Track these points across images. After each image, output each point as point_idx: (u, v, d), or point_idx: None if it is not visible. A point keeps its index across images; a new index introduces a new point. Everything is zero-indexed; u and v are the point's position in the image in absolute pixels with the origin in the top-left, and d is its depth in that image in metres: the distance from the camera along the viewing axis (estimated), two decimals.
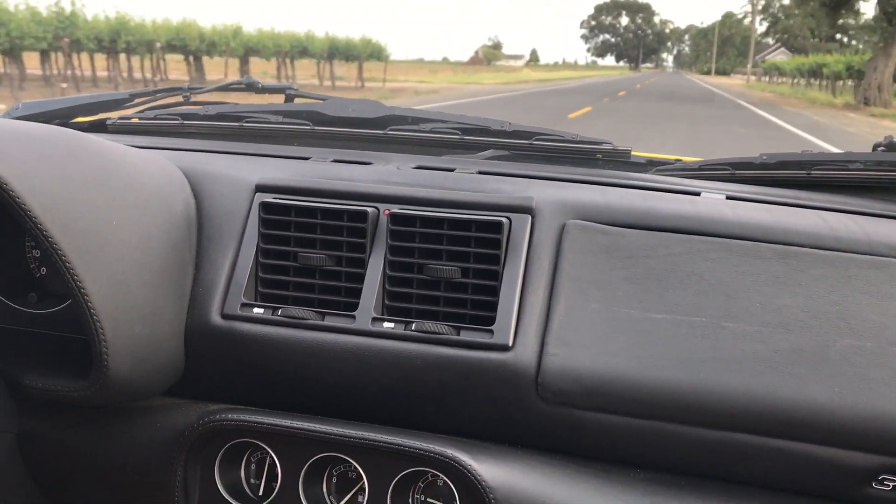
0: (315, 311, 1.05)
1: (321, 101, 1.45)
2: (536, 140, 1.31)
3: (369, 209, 1.07)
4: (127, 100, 1.57)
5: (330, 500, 1.04)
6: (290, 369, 1.05)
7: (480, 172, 1.20)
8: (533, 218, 1.05)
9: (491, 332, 0.99)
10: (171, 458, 1.03)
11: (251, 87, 1.53)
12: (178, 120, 1.48)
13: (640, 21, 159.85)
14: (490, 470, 0.94)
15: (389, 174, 1.18)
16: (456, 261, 1.04)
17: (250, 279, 1.09)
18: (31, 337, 1.10)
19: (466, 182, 1.14)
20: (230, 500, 1.03)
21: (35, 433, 1.06)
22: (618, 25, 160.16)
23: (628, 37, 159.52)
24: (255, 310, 1.07)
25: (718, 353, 0.93)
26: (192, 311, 1.07)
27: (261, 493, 1.05)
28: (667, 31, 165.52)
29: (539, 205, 1.06)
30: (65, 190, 0.92)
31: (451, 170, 1.21)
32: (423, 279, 1.05)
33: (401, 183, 1.14)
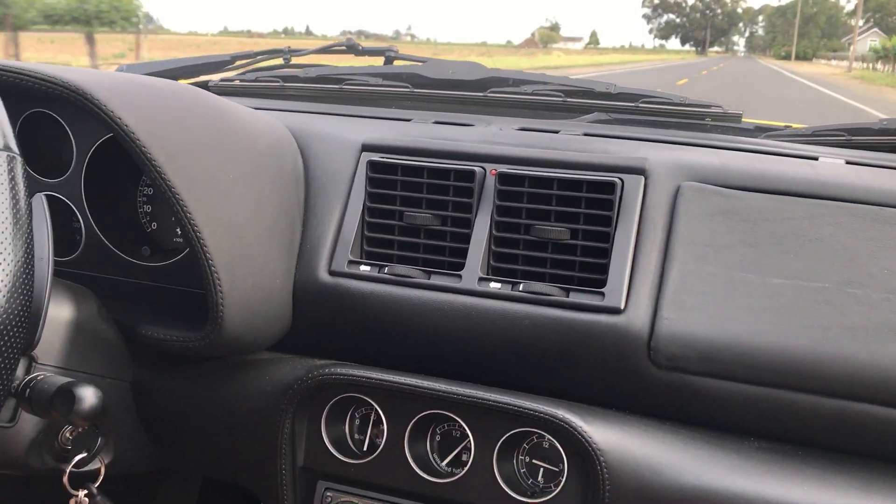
0: (421, 270, 1.06)
1: (421, 63, 1.44)
2: (643, 102, 1.28)
3: (476, 169, 1.06)
4: (228, 62, 1.60)
5: (433, 457, 1.04)
6: (395, 327, 1.06)
7: (586, 134, 1.18)
8: (646, 179, 1.02)
9: (602, 294, 0.98)
10: (279, 411, 1.04)
11: (351, 49, 1.53)
12: (278, 82, 1.50)
13: None
14: (601, 433, 0.92)
15: (494, 135, 1.16)
16: (564, 222, 1.02)
17: (356, 237, 1.09)
18: (145, 289, 1.13)
19: (573, 143, 1.12)
20: (335, 453, 1.05)
21: (147, 382, 1.09)
22: (683, 4, 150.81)
23: (695, 17, 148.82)
24: (362, 267, 1.07)
25: (843, 321, 0.89)
26: (300, 268, 1.09)
27: (365, 449, 1.06)
28: (738, 10, 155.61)
29: (652, 166, 1.03)
30: (186, 142, 0.94)
31: (556, 132, 1.19)
32: (529, 240, 1.03)
33: (507, 143, 1.12)
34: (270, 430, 1.06)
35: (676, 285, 0.95)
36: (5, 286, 0.62)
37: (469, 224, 1.06)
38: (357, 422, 1.08)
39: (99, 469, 1.00)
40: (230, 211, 0.97)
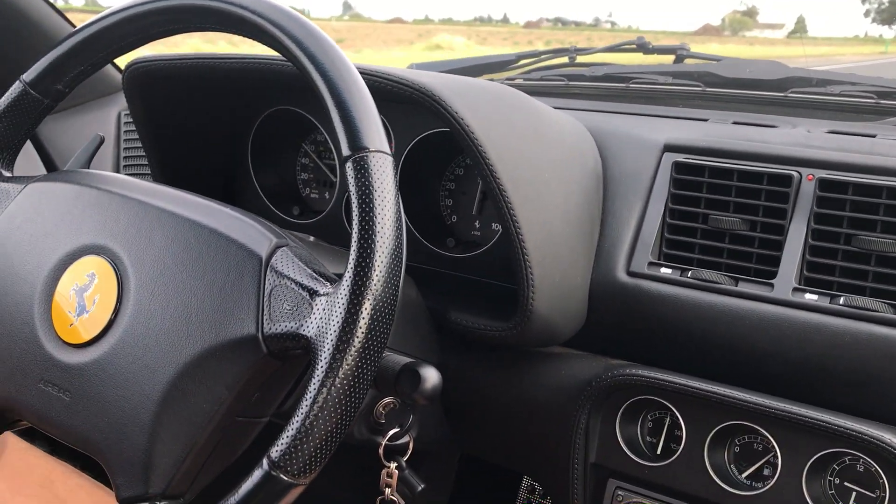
0: (727, 276, 1.03)
1: (715, 62, 1.41)
2: None
3: (793, 173, 1.02)
4: (513, 61, 1.64)
5: (731, 468, 1.02)
6: (696, 332, 1.04)
7: None
8: None
9: None
10: (575, 407, 1.06)
11: (641, 48, 1.52)
12: (563, 81, 1.52)
13: None
14: None
15: (806, 138, 1.11)
16: (892, 233, 0.96)
17: (656, 239, 1.09)
18: (450, 279, 1.20)
19: None
20: (629, 453, 1.05)
21: (450, 366, 1.15)
22: None
23: None
24: (662, 269, 1.06)
25: None
26: (597, 266, 1.10)
27: (658, 452, 1.06)
28: None
29: None
30: (512, 141, 0.98)
31: (873, 135, 1.11)
32: (850, 251, 0.98)
33: (822, 147, 1.07)
34: (564, 425, 1.08)
35: None
36: (398, 278, 0.69)
37: (782, 231, 1.02)
38: (650, 424, 1.08)
39: (407, 443, 1.06)
40: (544, 209, 1.00)
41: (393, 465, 1.04)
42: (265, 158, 1.39)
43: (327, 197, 1.38)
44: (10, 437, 1.17)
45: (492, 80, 1.62)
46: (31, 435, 1.14)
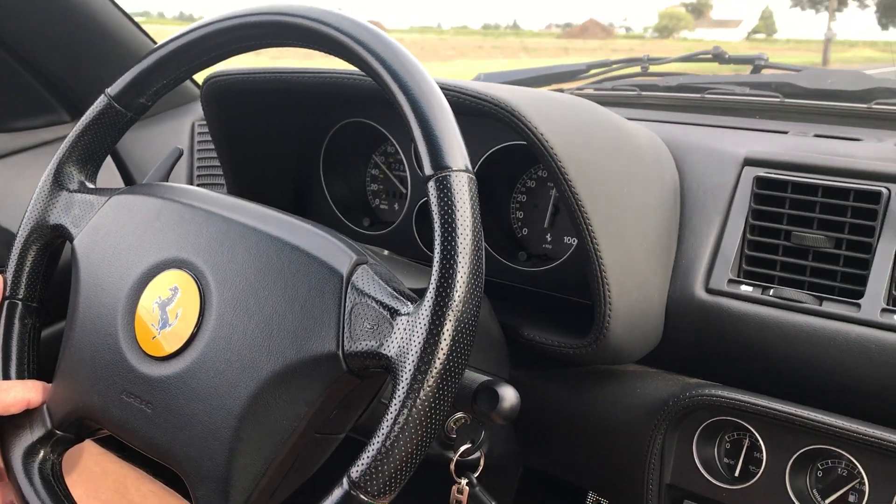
0: (811, 295, 1.00)
1: (795, 72, 1.37)
2: None
3: (882, 189, 0.98)
4: (583, 70, 1.63)
5: (813, 493, 0.98)
6: (778, 353, 1.01)
7: None
8: None
9: None
10: (651, 426, 1.04)
11: (717, 58, 1.49)
12: (635, 91, 1.50)
13: None
14: None
15: (894, 152, 1.07)
16: None
17: (736, 256, 1.06)
18: (521, 293, 1.19)
19: None
20: (706, 475, 1.02)
21: (521, 382, 1.14)
22: None
23: None
24: (743, 287, 1.04)
25: None
26: (675, 283, 1.07)
27: (736, 475, 1.03)
28: None
29: None
30: (590, 156, 0.96)
31: None
32: None
33: None
34: (639, 444, 1.06)
35: None
36: (478, 299, 0.68)
37: (870, 249, 0.98)
38: (727, 445, 1.05)
39: (479, 459, 1.06)
40: (622, 224, 0.99)
41: (464, 480, 1.03)
42: (336, 169, 1.40)
43: (397, 208, 1.38)
44: (88, 443, 1.20)
45: (560, 89, 1.61)
46: (105, 440, 1.16)
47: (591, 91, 1.58)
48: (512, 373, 1.14)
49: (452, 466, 1.01)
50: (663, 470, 1.05)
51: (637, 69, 1.56)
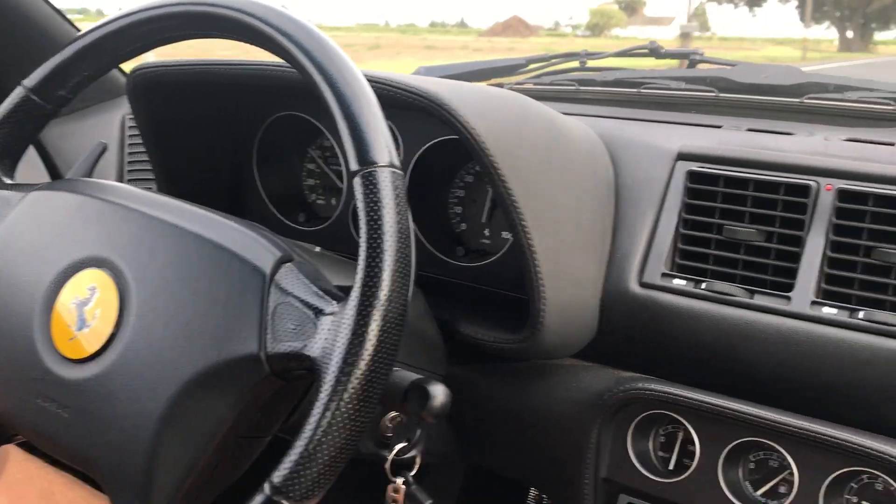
0: (742, 288, 1.01)
1: (730, 67, 1.38)
2: None
3: (811, 183, 0.99)
4: (522, 65, 1.62)
5: (745, 485, 0.99)
6: (710, 346, 1.02)
7: None
8: None
9: None
10: (587, 420, 1.04)
11: (654, 53, 1.49)
12: (573, 86, 1.49)
13: None
14: None
15: (824, 146, 1.08)
16: None
17: (668, 250, 1.06)
18: (458, 289, 1.18)
19: None
20: (641, 468, 1.03)
21: (458, 378, 1.13)
22: None
23: None
24: (676, 281, 1.04)
25: None
26: (609, 277, 1.08)
27: (671, 468, 1.03)
28: None
29: None
30: (523, 150, 0.95)
31: (892, 143, 1.09)
32: (871, 264, 0.95)
33: (840, 156, 1.04)
34: (575, 438, 1.06)
35: None
36: (405, 298, 0.67)
37: (800, 242, 0.99)
38: (661, 439, 1.05)
39: (414, 458, 1.04)
40: (556, 220, 0.98)
41: (400, 480, 1.02)
42: (271, 164, 1.37)
43: (334, 203, 1.36)
44: (11, 449, 1.15)
45: (501, 84, 1.60)
46: (31, 446, 1.12)
47: (530, 86, 1.58)
48: (450, 369, 1.13)
49: (388, 465, 1.00)
50: (599, 464, 1.05)
51: (576, 64, 1.56)
